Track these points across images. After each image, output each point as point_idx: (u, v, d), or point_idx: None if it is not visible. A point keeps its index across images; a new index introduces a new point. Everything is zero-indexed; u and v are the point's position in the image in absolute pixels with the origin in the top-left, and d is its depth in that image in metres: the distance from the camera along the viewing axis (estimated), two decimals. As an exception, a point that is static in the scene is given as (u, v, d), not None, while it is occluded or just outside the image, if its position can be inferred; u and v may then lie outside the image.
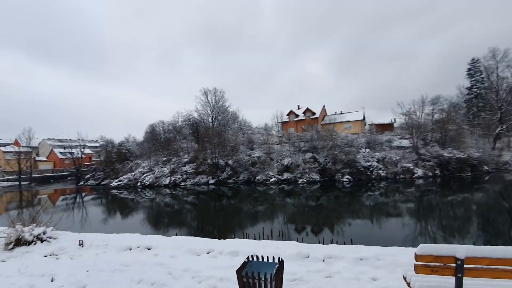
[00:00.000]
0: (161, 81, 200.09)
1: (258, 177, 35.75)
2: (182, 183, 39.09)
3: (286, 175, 35.49)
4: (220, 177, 37.83)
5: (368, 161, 34.94)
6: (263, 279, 3.81)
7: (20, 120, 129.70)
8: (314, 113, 62.17)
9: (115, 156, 56.15)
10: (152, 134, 59.57)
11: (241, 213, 21.40)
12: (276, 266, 4.21)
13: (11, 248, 5.86)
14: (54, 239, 6.19)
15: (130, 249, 6.35)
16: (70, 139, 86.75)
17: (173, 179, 39.56)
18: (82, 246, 5.61)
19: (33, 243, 5.92)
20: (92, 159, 75.51)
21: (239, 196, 29.40)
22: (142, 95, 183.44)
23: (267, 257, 4.48)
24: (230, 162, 38.91)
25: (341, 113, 65.01)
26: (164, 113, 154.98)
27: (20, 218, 6.52)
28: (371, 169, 34.04)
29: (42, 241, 5.98)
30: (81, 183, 54.44)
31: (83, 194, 42.29)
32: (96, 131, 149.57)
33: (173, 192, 34.80)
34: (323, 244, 7.29)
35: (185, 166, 41.60)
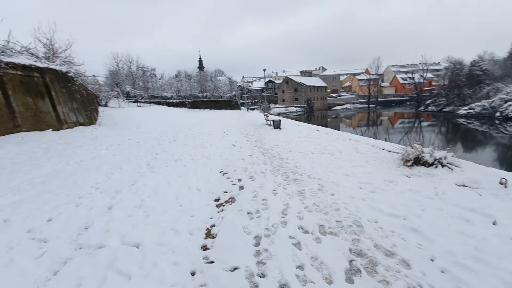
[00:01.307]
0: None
1: None
2: None
3: None
4: None
5: None
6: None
7: (371, 51, 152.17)
8: None
9: (463, 80, 47.53)
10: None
11: None
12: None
13: (410, 166, 5.38)
14: (456, 166, 4.87)
15: None
16: (412, 64, 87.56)
17: None
18: (505, 187, 3.71)
19: (434, 165, 4.99)
20: (433, 84, 71.01)
21: None
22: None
23: None
24: None
25: None
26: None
27: (409, 139, 5.94)
28: None
29: (442, 165, 4.87)
30: (421, 108, 53.77)
31: (421, 119, 41.58)
32: (440, 53, 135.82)
33: None
34: None
35: None
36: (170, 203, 4.47)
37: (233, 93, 60.56)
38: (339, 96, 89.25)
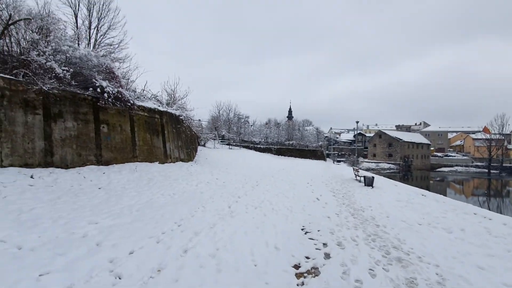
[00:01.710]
0: None
1: None
2: None
3: None
4: None
5: None
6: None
7: (492, 108, 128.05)
8: None
9: None
10: None
11: None
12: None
13: None
14: None
15: None
16: (556, 124, 68.19)
17: None
18: None
19: None
20: None
21: None
22: None
23: None
24: None
25: None
26: None
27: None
28: None
29: None
30: None
31: None
32: None
33: None
34: None
35: None
36: (244, 259, 3.98)
37: (320, 143, 59.72)
38: (447, 156, 75.89)
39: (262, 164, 23.01)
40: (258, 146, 43.59)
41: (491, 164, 60.17)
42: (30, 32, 8.60)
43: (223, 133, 43.81)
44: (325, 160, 44.92)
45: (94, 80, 9.42)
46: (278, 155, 41.94)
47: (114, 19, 14.11)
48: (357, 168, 17.80)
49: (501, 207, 21.89)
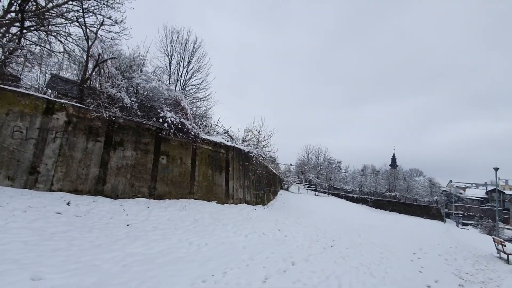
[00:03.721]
0: None
1: None
2: None
3: None
4: None
5: None
6: None
7: None
8: None
9: None
10: None
11: None
12: None
13: None
14: None
15: None
16: None
17: None
18: None
19: None
20: None
21: None
22: None
23: None
24: None
25: None
26: None
27: None
28: None
29: None
30: None
31: None
32: None
33: None
34: None
35: None
36: None
37: (435, 198, 47.62)
38: None
39: (351, 218, 18.73)
40: (351, 195, 37.95)
41: None
42: (114, 69, 9.44)
43: (311, 177, 40.69)
44: (443, 221, 34.49)
45: (159, 110, 9.38)
46: (376, 207, 34.99)
47: (200, 61, 15.16)
48: (500, 239, 11.61)
49: None
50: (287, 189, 31.06)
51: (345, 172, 50.10)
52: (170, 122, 9.05)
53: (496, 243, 11.50)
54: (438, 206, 38.62)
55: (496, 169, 19.88)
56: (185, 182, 9.72)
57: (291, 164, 50.02)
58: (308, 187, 37.18)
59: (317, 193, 34.38)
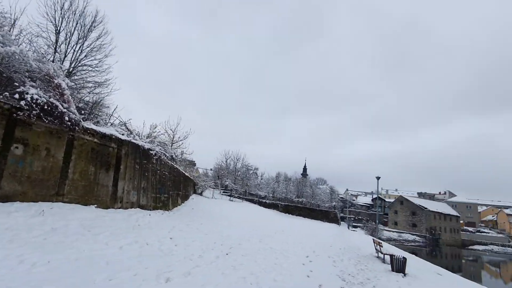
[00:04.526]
0: None
1: None
2: None
3: None
4: None
5: None
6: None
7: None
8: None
9: None
10: None
11: None
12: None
13: None
14: None
15: None
16: None
17: None
18: None
19: None
20: None
21: None
22: None
23: None
24: None
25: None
26: None
27: None
28: None
29: None
30: None
31: None
32: None
33: None
34: None
35: None
36: None
37: (333, 203, 54.19)
38: (479, 232, 66.66)
39: (259, 222, 18.94)
40: (264, 200, 39.30)
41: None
42: None
43: (227, 182, 40.29)
44: (338, 224, 39.29)
45: (19, 84, 7.05)
46: (285, 212, 37.17)
47: (100, 40, 12.72)
48: (378, 241, 13.40)
49: None
50: (201, 194, 29.66)
51: (261, 179, 51.96)
52: (31, 100, 6.85)
53: (375, 244, 13.17)
54: (336, 211, 43.97)
55: (378, 178, 23.63)
56: (51, 180, 7.51)
57: (211, 169, 48.76)
58: (224, 192, 36.64)
59: (231, 198, 34.17)
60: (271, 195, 45.05)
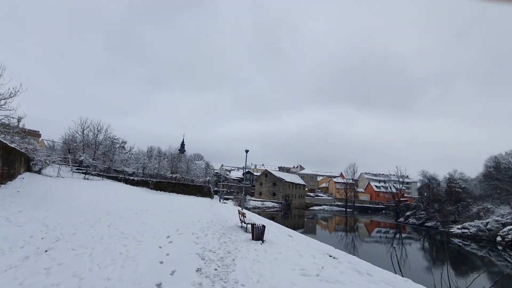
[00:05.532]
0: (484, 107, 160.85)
1: None
2: None
3: None
4: None
5: None
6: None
7: (347, 157, 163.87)
8: None
9: (443, 195, 46.64)
10: (498, 170, 43.14)
11: None
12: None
13: None
14: None
15: None
16: (382, 174, 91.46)
17: None
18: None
19: None
20: (405, 195, 70.75)
21: None
22: (461, 125, 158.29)
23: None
24: None
25: None
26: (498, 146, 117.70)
27: None
28: None
29: None
30: (401, 219, 50.41)
31: (398, 231, 38.57)
32: (409, 167, 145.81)
33: None
34: None
35: None
36: None
37: (207, 178, 55.41)
38: (317, 196, 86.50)
39: (119, 202, 16.23)
40: (131, 177, 35.00)
41: (348, 204, 71.85)
42: None
43: (82, 157, 32.88)
44: (211, 197, 40.48)
45: None
46: (157, 189, 34.52)
47: None
48: (243, 211, 14.05)
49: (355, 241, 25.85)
50: (39, 172, 22.72)
51: (130, 154, 45.94)
52: None
53: (240, 215, 13.74)
54: (209, 185, 45.09)
55: (247, 151, 25.34)
56: None
57: (64, 142, 38.25)
58: (78, 169, 29.74)
59: (87, 176, 28.30)
60: (140, 171, 40.82)
